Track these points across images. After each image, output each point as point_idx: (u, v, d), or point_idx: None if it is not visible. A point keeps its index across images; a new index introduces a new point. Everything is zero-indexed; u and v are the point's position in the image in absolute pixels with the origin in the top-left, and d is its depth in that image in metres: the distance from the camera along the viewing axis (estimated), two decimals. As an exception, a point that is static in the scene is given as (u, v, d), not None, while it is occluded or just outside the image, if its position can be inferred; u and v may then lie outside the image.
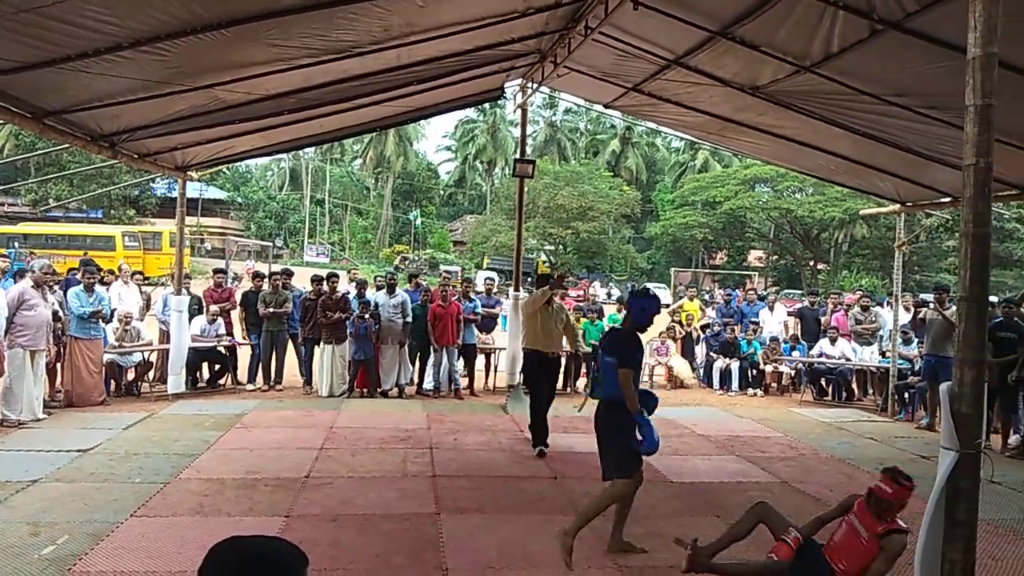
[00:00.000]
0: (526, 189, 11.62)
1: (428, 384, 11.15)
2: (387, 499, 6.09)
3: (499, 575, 4.69)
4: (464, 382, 11.47)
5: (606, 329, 12.18)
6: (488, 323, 12.01)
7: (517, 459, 7.60)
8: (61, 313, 9.07)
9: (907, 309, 11.86)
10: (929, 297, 12.10)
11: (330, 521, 5.49)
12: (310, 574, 1.41)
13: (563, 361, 9.47)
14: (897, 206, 10.71)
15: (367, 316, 10.62)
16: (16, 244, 28.59)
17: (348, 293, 11.17)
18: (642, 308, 5.18)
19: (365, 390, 10.85)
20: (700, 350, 13.59)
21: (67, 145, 7.59)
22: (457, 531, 5.38)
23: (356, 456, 7.40)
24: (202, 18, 4.95)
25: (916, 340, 11.15)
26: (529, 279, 29.35)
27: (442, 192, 65.59)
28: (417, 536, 5.27)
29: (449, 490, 6.38)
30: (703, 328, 13.70)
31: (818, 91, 6.88)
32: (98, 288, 9.53)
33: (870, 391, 12.26)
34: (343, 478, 6.62)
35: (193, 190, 42.17)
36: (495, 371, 11.96)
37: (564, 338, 8.48)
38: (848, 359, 11.86)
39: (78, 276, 9.85)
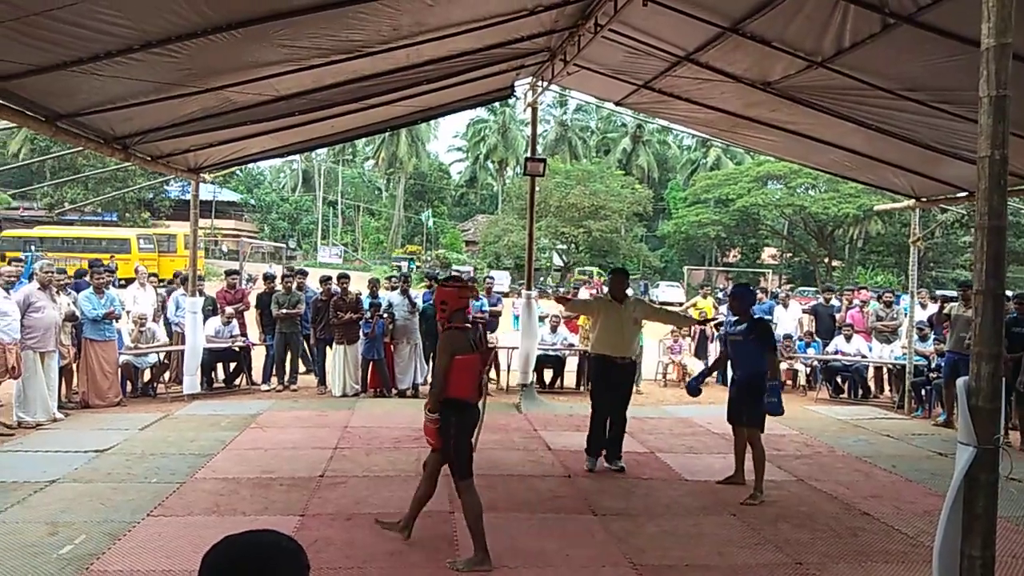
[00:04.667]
0: (537, 188, 11.60)
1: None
2: (401, 498, 6.07)
3: (513, 573, 4.68)
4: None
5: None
6: (491, 323, 12.00)
7: (531, 458, 7.59)
8: (78, 313, 9.13)
9: (923, 305, 11.75)
10: (950, 293, 12.00)
11: (345, 520, 5.51)
12: (326, 573, 1.40)
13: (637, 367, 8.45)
14: (912, 201, 10.61)
15: (381, 316, 10.65)
16: (32, 248, 28.81)
17: (360, 293, 11.21)
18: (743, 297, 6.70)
19: (377, 390, 10.87)
20: (714, 348, 13.52)
21: (81, 148, 7.65)
22: (471, 530, 5.37)
23: (370, 455, 7.42)
24: (212, 19, 4.97)
25: (933, 336, 11.05)
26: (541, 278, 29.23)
27: (454, 192, 65.63)
28: (431, 534, 5.27)
29: (463, 489, 6.37)
30: (717, 326, 13.62)
31: (830, 86, 6.83)
32: (108, 289, 9.59)
33: (886, 388, 12.16)
34: (357, 477, 6.64)
35: (207, 192, 42.37)
36: (508, 370, 11.95)
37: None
38: (864, 356, 11.77)
39: (87, 279, 9.91)
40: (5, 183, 45.49)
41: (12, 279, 8.54)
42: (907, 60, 5.95)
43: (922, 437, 9.15)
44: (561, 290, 31.17)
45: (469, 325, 4.96)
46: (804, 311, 14.09)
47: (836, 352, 11.90)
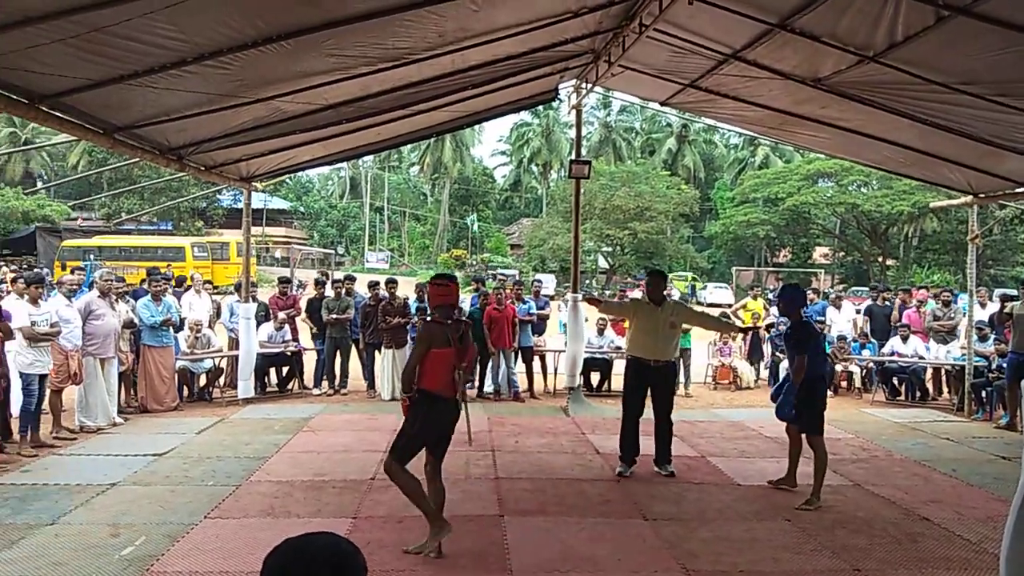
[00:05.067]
0: (582, 191, 11.56)
1: (488, 387, 11.22)
2: (451, 501, 6.09)
3: (564, 577, 4.66)
4: (524, 384, 11.48)
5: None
6: (538, 325, 11.99)
7: (579, 461, 7.56)
8: (136, 320, 9.39)
9: (981, 305, 11.40)
10: (1011, 291, 11.61)
11: (396, 523, 5.56)
12: (379, 574, 1.42)
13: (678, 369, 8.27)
14: (969, 198, 10.30)
15: (426, 320, 10.73)
16: (91, 257, 29.77)
17: (407, 298, 11.32)
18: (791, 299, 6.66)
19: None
20: (767, 350, 13.31)
21: (137, 159, 7.88)
22: (521, 533, 5.39)
23: (419, 458, 7.42)
24: (263, 31, 5.08)
25: (993, 337, 10.71)
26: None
27: (498, 196, 65.81)
28: (481, 537, 5.29)
29: (512, 492, 6.39)
30: (768, 328, 13.39)
31: (882, 81, 6.67)
32: (166, 297, 9.84)
33: (945, 390, 11.82)
34: (407, 480, 6.69)
35: (258, 201, 43.33)
36: (555, 373, 11.94)
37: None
38: (921, 357, 11.46)
39: (145, 287, 10.18)
40: (65, 194, 47.20)
41: (74, 287, 8.82)
42: (962, 53, 5.77)
43: (983, 440, 8.87)
44: (607, 292, 30.99)
45: (450, 321, 5.04)
46: (858, 311, 13.79)
47: (892, 353, 11.60)
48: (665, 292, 7.61)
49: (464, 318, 5.34)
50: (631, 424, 7.12)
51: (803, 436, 6.50)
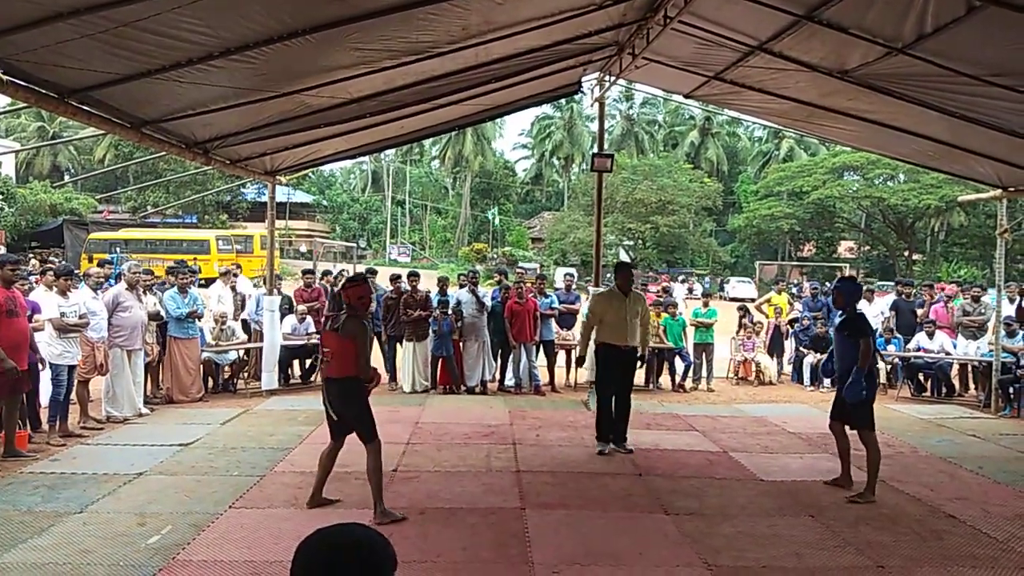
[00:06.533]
0: (604, 184, 11.52)
1: (509, 381, 11.23)
2: (473, 493, 6.15)
3: (586, 571, 4.67)
4: (545, 378, 11.47)
5: (688, 324, 12.04)
6: (568, 319, 11.96)
7: (601, 455, 7.55)
8: (163, 312, 9.51)
9: (1010, 300, 11.22)
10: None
11: (418, 514, 5.59)
12: (400, 567, 1.43)
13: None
14: (998, 191, 10.12)
15: (448, 313, 10.79)
16: (118, 249, 30.17)
17: (429, 291, 11.35)
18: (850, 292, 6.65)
19: (446, 386, 10.98)
20: (789, 345, 13.20)
21: (163, 153, 7.97)
22: (542, 526, 5.39)
23: (441, 451, 7.51)
24: (289, 25, 5.10)
25: (1021, 333, 10.54)
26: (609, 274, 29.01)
27: (519, 190, 65.77)
28: (503, 530, 5.30)
29: (533, 485, 6.40)
30: (791, 323, 13.28)
31: (911, 73, 6.57)
32: (192, 289, 9.95)
33: (972, 386, 11.66)
34: (429, 472, 6.73)
35: (281, 194, 43.56)
36: (576, 367, 11.92)
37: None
38: (948, 352, 11.31)
39: (172, 279, 10.30)
40: (92, 188, 47.82)
41: (101, 280, 8.94)
42: (994, 44, 5.67)
43: (1010, 437, 8.75)
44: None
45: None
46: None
47: (918, 349, 11.46)
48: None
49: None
50: (606, 404, 7.68)
51: (847, 430, 6.49)
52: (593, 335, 8.01)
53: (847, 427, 6.51)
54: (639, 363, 8.00)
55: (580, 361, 8.67)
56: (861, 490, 6.31)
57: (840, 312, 6.71)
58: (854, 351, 6.27)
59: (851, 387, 6.22)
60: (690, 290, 31.89)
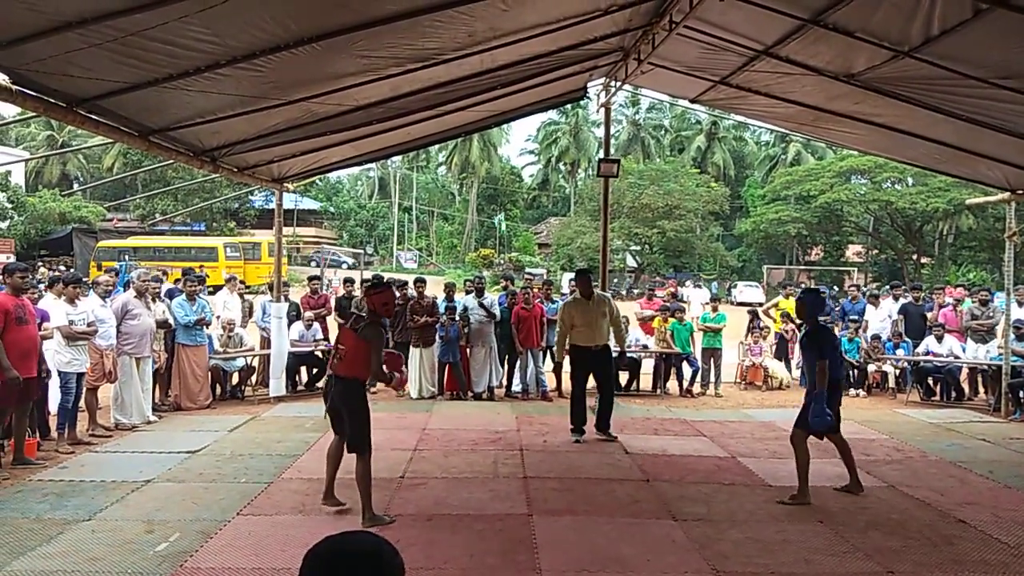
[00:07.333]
0: (610, 189, 11.51)
1: (516, 387, 11.22)
2: (480, 500, 6.14)
3: (593, 577, 4.65)
4: (552, 384, 11.46)
5: (695, 330, 12.03)
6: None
7: (608, 461, 7.53)
8: (171, 320, 9.54)
9: (1020, 303, 11.16)
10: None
11: (425, 521, 5.59)
12: (408, 573, 1.43)
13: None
14: (1007, 194, 10.09)
15: (455, 319, 10.79)
16: (126, 257, 30.32)
17: (436, 297, 11.36)
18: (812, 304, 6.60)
19: (453, 392, 10.98)
20: (795, 349, 13.14)
21: (171, 161, 8.00)
22: (549, 532, 5.38)
23: (448, 457, 7.50)
24: (295, 33, 5.13)
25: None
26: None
27: (526, 195, 65.80)
28: (510, 537, 5.29)
29: (540, 491, 6.39)
30: (799, 327, 13.22)
31: (918, 76, 6.55)
32: (200, 296, 9.99)
33: (981, 390, 11.60)
34: (436, 478, 6.73)
35: (289, 201, 43.66)
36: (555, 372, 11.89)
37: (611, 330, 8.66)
38: (957, 356, 11.25)
39: (179, 286, 10.34)
40: (101, 196, 48.08)
41: (109, 287, 8.98)
42: (1001, 47, 5.65)
43: (1020, 441, 8.69)
44: (636, 291, 30.72)
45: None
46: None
47: (927, 353, 11.41)
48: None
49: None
50: (579, 397, 8.45)
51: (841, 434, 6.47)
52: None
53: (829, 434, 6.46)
54: (620, 358, 8.86)
55: (558, 367, 9.33)
56: (859, 491, 6.43)
57: (802, 324, 6.72)
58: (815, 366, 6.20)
59: (815, 417, 6.12)
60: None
